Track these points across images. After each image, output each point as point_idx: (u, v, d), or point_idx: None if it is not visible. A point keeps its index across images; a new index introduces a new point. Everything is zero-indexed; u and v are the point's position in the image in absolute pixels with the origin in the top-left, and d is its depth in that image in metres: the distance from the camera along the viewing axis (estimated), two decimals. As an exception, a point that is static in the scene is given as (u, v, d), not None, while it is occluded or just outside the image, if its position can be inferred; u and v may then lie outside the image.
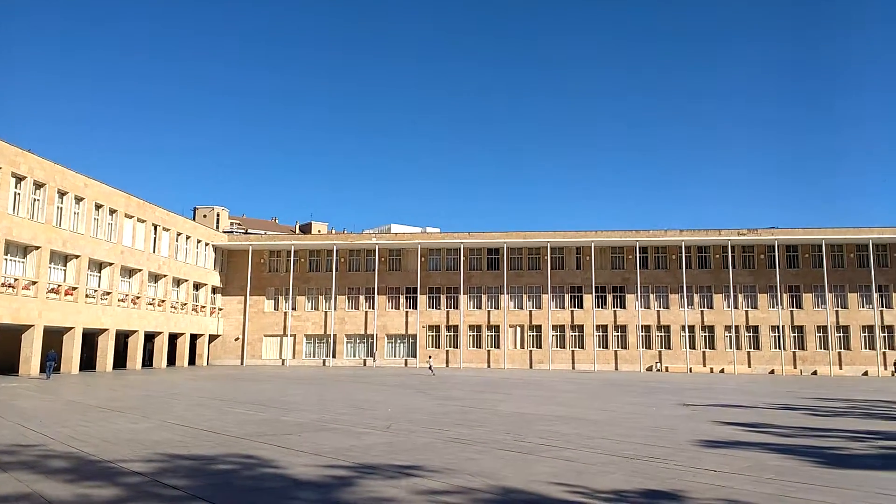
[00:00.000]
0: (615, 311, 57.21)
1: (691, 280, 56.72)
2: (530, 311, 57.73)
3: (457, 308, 57.89)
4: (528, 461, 9.98)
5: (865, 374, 53.63)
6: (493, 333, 57.82)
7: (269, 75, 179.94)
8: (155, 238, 47.62)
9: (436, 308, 58.57)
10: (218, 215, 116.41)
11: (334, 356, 57.56)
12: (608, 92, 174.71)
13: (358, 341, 58.74)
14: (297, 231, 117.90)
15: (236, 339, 58.51)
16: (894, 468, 9.71)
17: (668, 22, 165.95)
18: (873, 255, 54.88)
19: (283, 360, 57.58)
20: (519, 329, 57.85)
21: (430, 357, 53.27)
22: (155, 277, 47.97)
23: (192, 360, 54.42)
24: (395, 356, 58.00)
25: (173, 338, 51.11)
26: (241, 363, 57.11)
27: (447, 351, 57.66)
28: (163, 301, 48.21)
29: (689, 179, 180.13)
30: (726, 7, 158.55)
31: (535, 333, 57.58)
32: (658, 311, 56.91)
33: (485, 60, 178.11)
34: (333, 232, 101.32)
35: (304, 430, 13.44)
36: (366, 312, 58.49)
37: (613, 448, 11.48)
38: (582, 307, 57.35)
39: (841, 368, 54.33)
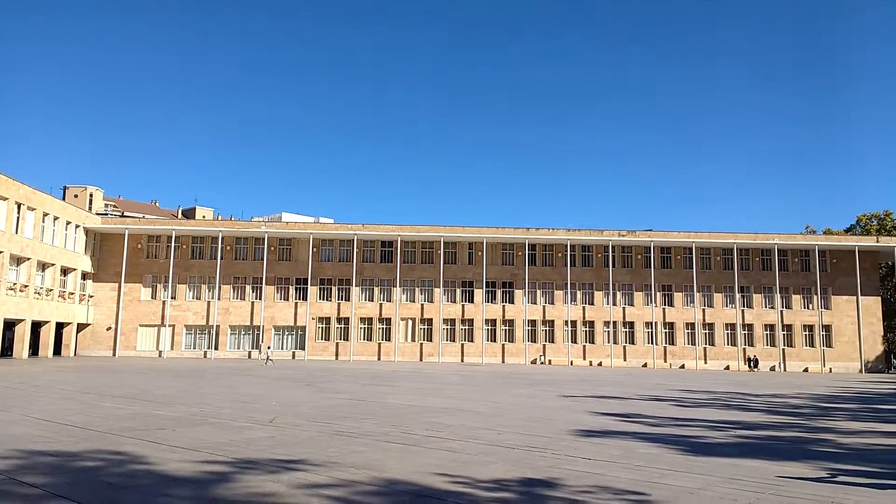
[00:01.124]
0: (504, 306, 58.77)
1: (575, 277, 59.29)
2: (422, 305, 58.19)
3: (348, 300, 57.38)
4: (412, 453, 10.03)
5: (727, 368, 58.21)
6: (384, 326, 57.81)
7: (156, 50, 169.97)
8: (18, 217, 43.89)
9: (326, 300, 57.78)
10: (91, 196, 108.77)
11: (217, 348, 55.44)
12: (506, 86, 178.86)
13: (243, 333, 56.91)
14: (180, 216, 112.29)
15: (108, 329, 55.05)
16: (748, 455, 10.58)
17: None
18: (737, 258, 59.72)
19: (161, 352, 54.79)
20: (410, 322, 58.17)
21: (269, 347, 52.06)
22: (17, 260, 44.24)
23: (57, 351, 50.69)
24: (282, 348, 56.65)
25: (37, 326, 47.39)
26: (114, 354, 53.82)
27: (337, 343, 57.05)
28: (25, 286, 44.54)
29: (573, 179, 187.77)
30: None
31: (426, 327, 58.10)
32: (544, 307, 59.04)
33: (379, 49, 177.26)
34: (220, 218, 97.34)
35: (180, 425, 12.82)
36: (252, 303, 56.75)
37: (496, 439, 11.77)
38: (472, 301, 58.48)
39: (706, 363, 58.68)
